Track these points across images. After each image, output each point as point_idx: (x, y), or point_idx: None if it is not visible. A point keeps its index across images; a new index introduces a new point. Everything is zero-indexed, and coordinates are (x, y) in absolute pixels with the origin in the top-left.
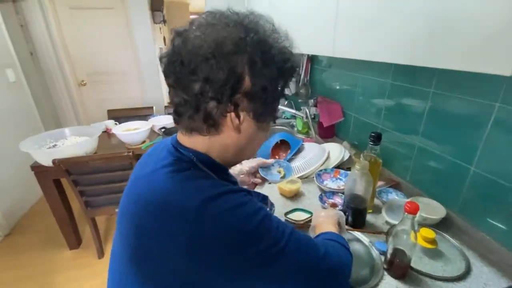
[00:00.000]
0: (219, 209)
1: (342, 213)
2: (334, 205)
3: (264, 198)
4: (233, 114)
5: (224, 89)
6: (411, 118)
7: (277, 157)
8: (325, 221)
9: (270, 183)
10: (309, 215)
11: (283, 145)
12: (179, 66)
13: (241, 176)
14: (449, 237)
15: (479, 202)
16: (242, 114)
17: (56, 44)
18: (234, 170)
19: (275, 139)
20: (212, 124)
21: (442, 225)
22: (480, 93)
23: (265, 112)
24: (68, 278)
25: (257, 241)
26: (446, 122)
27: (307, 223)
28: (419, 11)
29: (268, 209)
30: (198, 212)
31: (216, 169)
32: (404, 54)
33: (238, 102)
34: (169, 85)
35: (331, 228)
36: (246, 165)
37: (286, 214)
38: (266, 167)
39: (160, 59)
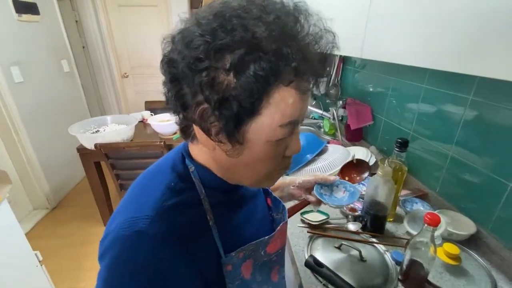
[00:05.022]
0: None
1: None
2: (353, 210)
3: (277, 202)
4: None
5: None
6: (446, 126)
7: (347, 178)
8: None
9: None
10: (325, 217)
11: (358, 166)
12: None
13: (292, 187)
14: (476, 256)
15: None
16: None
17: (105, 39)
18: (285, 179)
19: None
20: (182, 130)
21: (470, 242)
22: None
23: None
24: None
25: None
26: (484, 133)
27: (322, 225)
28: (459, 13)
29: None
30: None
31: (213, 186)
32: (441, 59)
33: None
34: None
35: None
36: (301, 177)
37: (302, 213)
38: (326, 185)
39: None
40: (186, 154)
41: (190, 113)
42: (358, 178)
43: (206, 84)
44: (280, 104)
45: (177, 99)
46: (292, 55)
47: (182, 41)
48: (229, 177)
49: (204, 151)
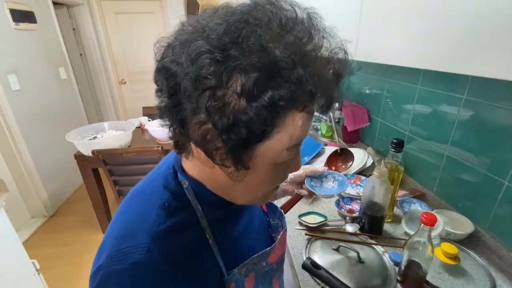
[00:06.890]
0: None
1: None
2: (351, 212)
3: (273, 207)
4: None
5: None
6: (440, 125)
7: (333, 168)
8: None
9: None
10: (323, 219)
11: (342, 155)
12: None
13: (284, 184)
14: (475, 255)
15: None
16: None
17: (102, 46)
18: None
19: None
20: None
21: (469, 241)
22: None
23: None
24: None
25: None
26: (479, 132)
27: (320, 227)
28: (452, 12)
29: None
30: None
31: (209, 202)
32: (433, 59)
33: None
34: None
35: None
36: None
37: (300, 216)
38: (315, 177)
39: None
40: (178, 168)
41: (190, 132)
42: (343, 166)
43: (213, 107)
44: (289, 128)
45: (175, 114)
46: (310, 81)
47: (186, 55)
48: (224, 195)
49: (198, 165)
